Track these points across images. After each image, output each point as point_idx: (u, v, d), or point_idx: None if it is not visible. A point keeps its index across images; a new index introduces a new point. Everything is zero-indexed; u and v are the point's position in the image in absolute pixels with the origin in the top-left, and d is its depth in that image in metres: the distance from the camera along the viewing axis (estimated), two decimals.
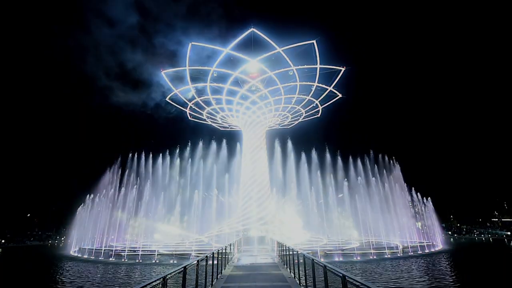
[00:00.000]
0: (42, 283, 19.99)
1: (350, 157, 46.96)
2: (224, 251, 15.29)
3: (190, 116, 54.85)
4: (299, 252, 11.36)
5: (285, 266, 15.75)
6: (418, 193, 46.60)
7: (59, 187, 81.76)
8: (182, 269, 7.14)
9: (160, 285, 5.50)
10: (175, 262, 27.72)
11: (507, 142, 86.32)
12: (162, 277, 5.61)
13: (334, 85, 45.93)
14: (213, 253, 11.49)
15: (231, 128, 59.31)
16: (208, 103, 49.68)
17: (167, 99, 49.36)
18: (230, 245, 20.16)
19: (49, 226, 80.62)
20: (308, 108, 51.66)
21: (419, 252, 33.55)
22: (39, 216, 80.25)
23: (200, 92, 47.54)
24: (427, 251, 35.05)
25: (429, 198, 46.39)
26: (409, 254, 31.87)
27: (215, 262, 11.79)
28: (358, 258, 28.98)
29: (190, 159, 48.26)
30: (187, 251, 32.26)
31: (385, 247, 32.52)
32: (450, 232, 79.87)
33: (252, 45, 41.52)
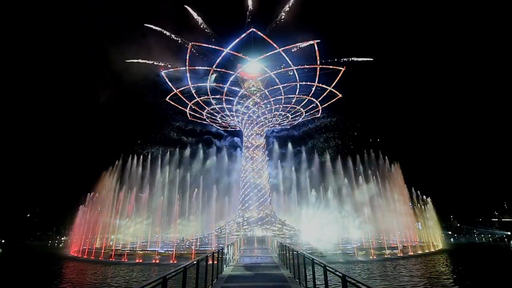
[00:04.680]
0: (42, 283, 19.98)
1: (350, 156, 46.95)
2: (224, 251, 15.28)
3: (190, 116, 54.82)
4: (299, 252, 11.35)
5: (285, 266, 15.74)
6: (418, 193, 46.60)
7: (59, 187, 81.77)
8: (182, 269, 7.13)
9: (160, 285, 5.49)
10: (175, 262, 27.72)
11: (507, 142, 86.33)
12: (162, 277, 5.61)
13: (334, 85, 45.94)
14: (213, 253, 11.47)
15: (231, 128, 59.33)
16: (208, 103, 49.64)
17: (167, 99, 49.32)
18: (230, 245, 20.15)
19: (49, 226, 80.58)
20: (308, 108, 51.68)
21: (419, 252, 33.54)
22: (39, 216, 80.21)
23: (200, 92, 47.48)
24: (427, 251, 35.04)
25: (429, 198, 46.39)
26: (409, 254, 31.87)
27: (215, 262, 11.78)
28: (358, 258, 28.97)
29: (189, 159, 48.26)
30: (187, 251, 32.24)
31: (385, 247, 32.50)
32: (450, 232, 79.83)
33: (252, 45, 41.54)
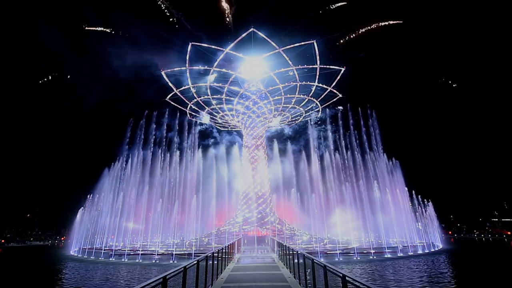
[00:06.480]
0: (42, 283, 19.97)
1: (351, 157, 46.86)
2: (224, 251, 15.28)
3: (190, 116, 54.75)
4: (299, 252, 11.35)
5: (285, 266, 15.75)
6: (419, 193, 46.58)
7: (59, 187, 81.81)
8: (182, 269, 7.12)
9: (160, 285, 5.49)
10: (175, 262, 27.72)
11: (506, 142, 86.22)
12: (162, 277, 5.61)
13: (334, 84, 45.89)
14: (213, 253, 11.47)
15: (231, 128, 59.30)
16: (208, 103, 49.59)
17: (167, 99, 49.25)
18: (230, 245, 20.14)
19: (49, 226, 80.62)
20: (308, 108, 51.64)
21: (419, 252, 33.53)
22: (39, 216, 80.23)
23: (200, 92, 47.43)
24: (427, 250, 35.04)
25: (429, 198, 46.38)
26: (409, 253, 31.84)
27: (215, 262, 11.78)
28: (358, 258, 28.97)
29: (190, 158, 48.15)
30: (187, 252, 32.21)
31: (385, 247, 32.48)
32: (450, 232, 79.92)
33: (252, 45, 41.44)
